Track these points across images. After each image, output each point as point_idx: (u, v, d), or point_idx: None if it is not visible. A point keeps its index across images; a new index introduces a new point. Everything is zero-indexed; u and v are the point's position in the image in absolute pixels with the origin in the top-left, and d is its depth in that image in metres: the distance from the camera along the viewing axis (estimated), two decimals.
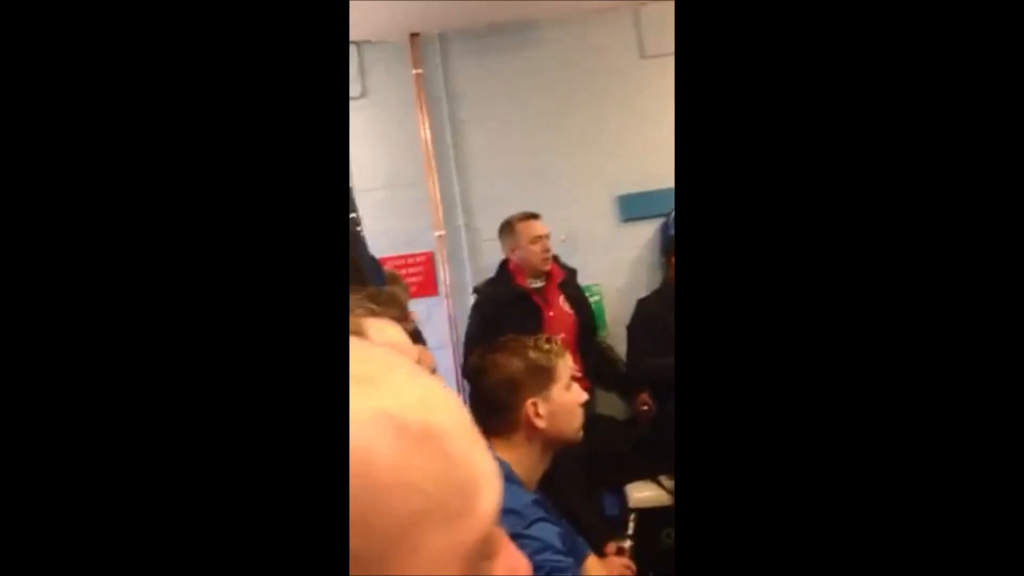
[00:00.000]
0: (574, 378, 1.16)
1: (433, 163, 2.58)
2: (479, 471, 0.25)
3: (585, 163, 2.61)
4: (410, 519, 0.23)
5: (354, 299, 0.68)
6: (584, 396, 1.04)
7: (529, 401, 0.98)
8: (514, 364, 1.00)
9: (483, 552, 0.24)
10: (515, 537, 0.92)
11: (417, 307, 2.57)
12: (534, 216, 2.17)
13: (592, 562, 1.12)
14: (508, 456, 0.97)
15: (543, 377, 0.99)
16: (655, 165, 2.56)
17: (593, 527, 1.57)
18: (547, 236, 2.15)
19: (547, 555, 0.86)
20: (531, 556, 0.86)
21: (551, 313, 2.14)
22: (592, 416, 2.07)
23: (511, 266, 2.18)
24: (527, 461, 0.98)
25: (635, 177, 2.57)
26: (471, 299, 2.38)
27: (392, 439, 0.23)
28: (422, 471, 0.23)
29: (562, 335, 2.12)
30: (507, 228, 2.18)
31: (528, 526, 0.87)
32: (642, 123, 2.58)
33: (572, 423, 1.00)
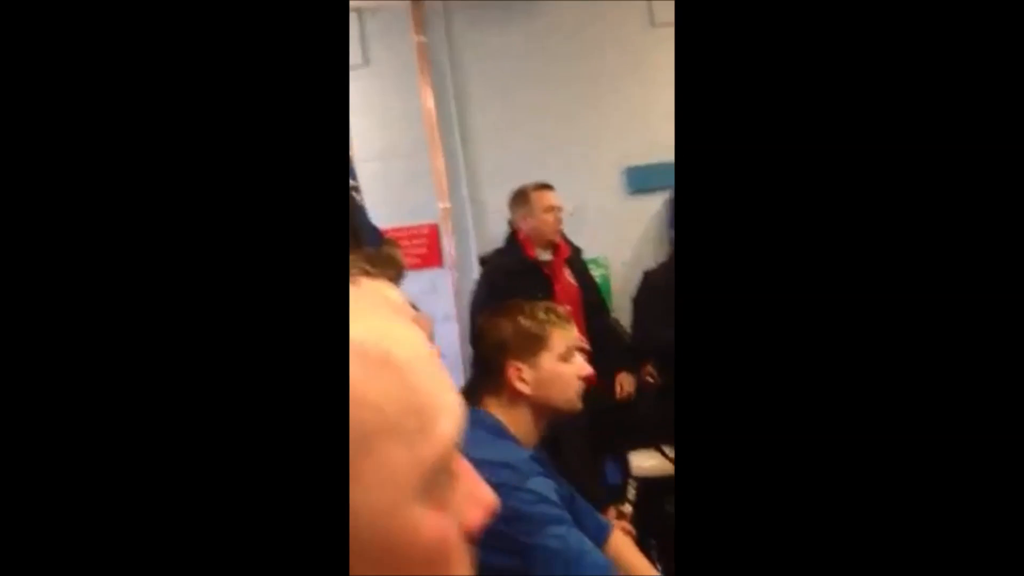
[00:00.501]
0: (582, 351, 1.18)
1: (437, 134, 2.55)
2: (438, 400, 0.27)
3: (592, 134, 2.57)
4: (368, 433, 0.24)
5: (352, 260, 0.66)
6: (587, 370, 1.03)
7: (512, 365, 0.97)
8: (504, 328, 1.00)
9: (441, 472, 0.25)
10: (513, 490, 0.92)
11: (421, 279, 2.57)
12: (548, 187, 2.14)
13: (617, 534, 1.12)
14: (502, 415, 0.98)
15: (531, 344, 0.98)
16: (664, 136, 2.51)
17: (596, 495, 1.57)
18: (560, 208, 2.12)
19: (543, 507, 0.87)
20: (527, 507, 0.87)
21: (558, 286, 2.13)
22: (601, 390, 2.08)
23: (521, 236, 2.15)
24: (520, 422, 0.98)
25: (643, 148, 2.53)
26: (476, 271, 2.37)
27: (351, 361, 0.25)
28: (379, 392, 0.25)
29: (568, 308, 2.11)
30: (521, 197, 2.15)
31: (525, 479, 0.88)
32: (651, 93, 2.53)
33: (563, 393, 0.99)
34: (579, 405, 1.02)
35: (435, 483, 0.25)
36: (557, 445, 1.75)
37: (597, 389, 2.03)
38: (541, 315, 1.01)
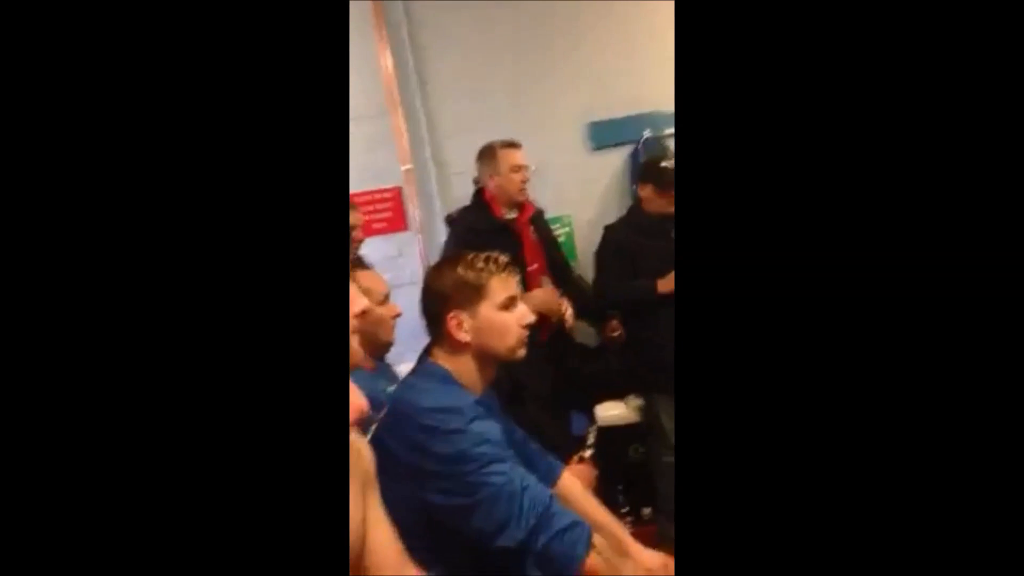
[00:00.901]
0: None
1: (396, 94, 2.50)
2: None
3: (554, 90, 2.54)
4: None
5: None
6: (529, 318, 1.05)
7: (450, 315, 1.00)
8: (445, 279, 1.03)
9: None
10: (458, 433, 0.96)
11: (388, 244, 2.56)
12: (515, 145, 2.11)
13: (566, 476, 1.17)
14: (447, 363, 1.01)
15: (470, 294, 1.01)
16: (626, 90, 2.50)
17: (561, 444, 1.63)
18: (526, 167, 2.10)
19: (486, 448, 0.91)
20: (471, 449, 0.91)
21: (525, 244, 2.13)
22: (566, 344, 2.12)
23: (487, 195, 2.14)
24: (465, 370, 1.02)
25: (605, 103, 2.52)
26: (443, 234, 2.36)
27: None
28: None
29: (536, 265, 2.13)
30: (488, 154, 2.12)
31: (469, 422, 0.92)
32: (613, 47, 2.50)
33: (503, 341, 1.02)
34: (521, 352, 1.04)
35: None
36: (520, 397, 1.79)
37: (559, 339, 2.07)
38: (480, 264, 1.02)
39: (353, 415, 0.28)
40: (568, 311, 2.05)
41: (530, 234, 2.17)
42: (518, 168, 2.09)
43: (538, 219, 2.22)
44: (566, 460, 1.41)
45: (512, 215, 2.13)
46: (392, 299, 1.53)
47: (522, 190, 2.11)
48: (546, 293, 2.03)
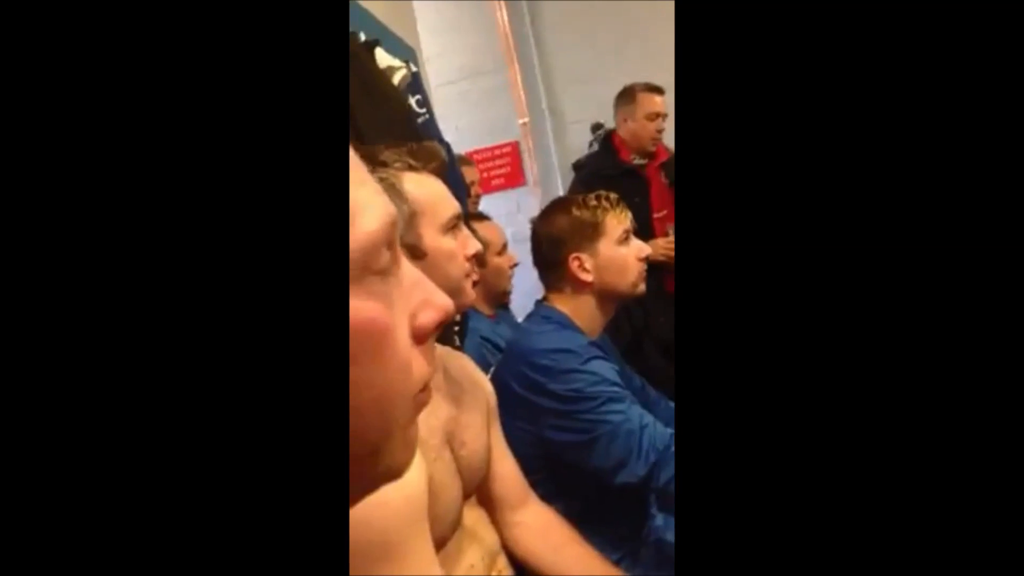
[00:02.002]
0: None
1: (513, 47, 2.50)
2: (356, 199, 0.27)
3: (670, 26, 2.38)
4: None
5: (395, 154, 0.71)
6: (645, 251, 1.03)
7: (572, 256, 1.00)
8: (559, 222, 1.03)
9: (367, 264, 0.26)
10: (574, 372, 0.96)
11: (507, 200, 2.61)
12: (657, 90, 2.00)
13: None
14: (564, 307, 1.02)
15: (588, 232, 1.00)
16: None
17: None
18: (664, 115, 1.99)
19: (603, 387, 0.92)
20: (588, 388, 0.92)
21: (654, 190, 2.05)
22: None
23: (616, 140, 2.06)
24: (583, 312, 1.02)
25: None
26: (560, 188, 2.36)
27: None
28: None
29: (664, 212, 2.04)
30: (627, 96, 2.03)
31: (584, 362, 0.93)
32: None
33: (624, 277, 1.01)
34: (642, 288, 1.03)
35: (362, 273, 0.25)
36: (640, 346, 1.77)
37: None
38: (593, 203, 1.02)
39: (436, 314, 0.28)
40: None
41: (660, 180, 2.07)
42: (655, 116, 1.97)
43: (670, 165, 2.11)
44: None
45: (641, 162, 2.05)
46: (515, 253, 1.58)
47: (655, 140, 2.01)
48: (667, 242, 1.96)
